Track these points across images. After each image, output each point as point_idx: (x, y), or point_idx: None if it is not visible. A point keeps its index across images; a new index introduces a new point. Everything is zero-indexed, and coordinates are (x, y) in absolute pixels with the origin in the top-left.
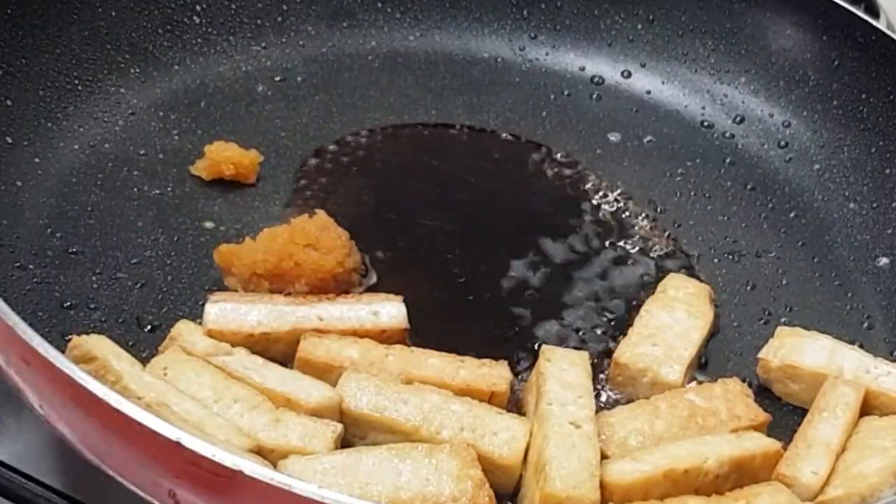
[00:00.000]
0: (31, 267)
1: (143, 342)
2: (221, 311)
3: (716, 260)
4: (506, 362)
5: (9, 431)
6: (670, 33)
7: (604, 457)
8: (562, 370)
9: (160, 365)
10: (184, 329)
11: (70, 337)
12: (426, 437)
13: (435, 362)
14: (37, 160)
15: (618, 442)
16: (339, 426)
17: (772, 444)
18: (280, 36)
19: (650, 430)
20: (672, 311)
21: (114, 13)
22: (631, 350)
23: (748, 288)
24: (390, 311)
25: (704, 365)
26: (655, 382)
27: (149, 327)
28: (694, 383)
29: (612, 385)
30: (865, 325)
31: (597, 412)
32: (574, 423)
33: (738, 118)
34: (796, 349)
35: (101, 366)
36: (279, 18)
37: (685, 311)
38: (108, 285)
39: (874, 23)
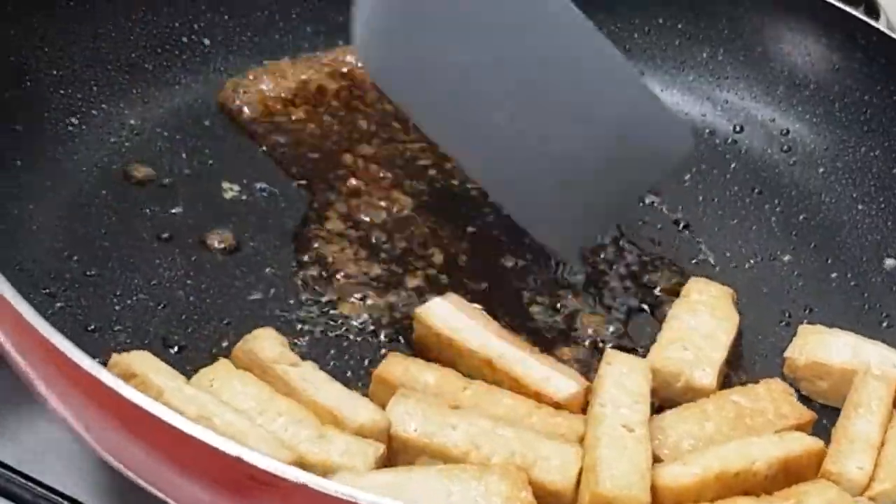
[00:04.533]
0: (50, 290)
1: (171, 363)
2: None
3: (730, 264)
4: (582, 415)
5: (8, 431)
6: (668, 41)
7: (657, 460)
8: (621, 373)
9: (208, 376)
10: (261, 334)
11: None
12: (476, 463)
13: (509, 403)
14: (48, 183)
15: (671, 445)
16: (382, 446)
17: (815, 443)
18: (277, 54)
19: (701, 432)
20: (697, 314)
21: (114, 34)
22: (662, 354)
23: (765, 291)
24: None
25: (735, 368)
26: (689, 387)
27: (175, 348)
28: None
29: None
30: (885, 323)
31: None
32: (627, 427)
33: (740, 124)
34: (821, 346)
35: (140, 382)
36: (277, 37)
37: (710, 314)
38: (130, 307)
39: (874, 23)
